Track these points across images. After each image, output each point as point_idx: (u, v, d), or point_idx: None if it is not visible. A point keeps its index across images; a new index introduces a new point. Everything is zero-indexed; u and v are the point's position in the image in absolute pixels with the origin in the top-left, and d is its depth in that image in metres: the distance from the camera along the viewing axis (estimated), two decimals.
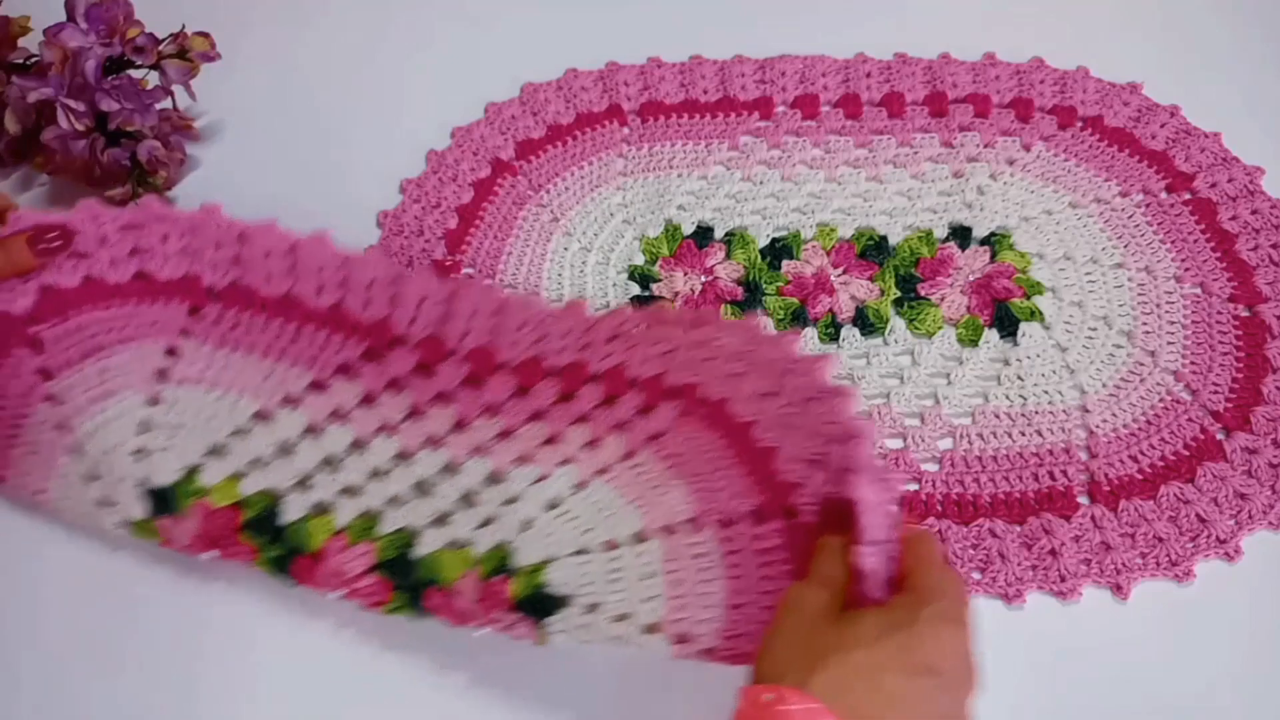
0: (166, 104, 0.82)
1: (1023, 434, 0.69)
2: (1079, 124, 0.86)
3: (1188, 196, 0.81)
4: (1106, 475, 0.66)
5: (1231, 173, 0.82)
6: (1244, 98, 0.88)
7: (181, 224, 0.67)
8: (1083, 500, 0.66)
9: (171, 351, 0.65)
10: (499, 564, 0.57)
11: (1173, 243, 0.78)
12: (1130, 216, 0.80)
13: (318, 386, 0.64)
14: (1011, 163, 0.83)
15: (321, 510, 0.60)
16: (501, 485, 0.61)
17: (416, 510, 0.60)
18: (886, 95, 0.88)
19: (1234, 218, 0.79)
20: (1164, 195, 0.81)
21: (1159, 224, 0.80)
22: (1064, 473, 0.67)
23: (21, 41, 0.83)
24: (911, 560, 0.48)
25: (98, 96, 0.76)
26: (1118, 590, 0.62)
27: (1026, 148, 0.84)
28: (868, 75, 0.89)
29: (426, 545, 0.59)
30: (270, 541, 0.59)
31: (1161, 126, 0.85)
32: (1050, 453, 0.68)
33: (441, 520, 0.60)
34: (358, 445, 0.63)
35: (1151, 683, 0.59)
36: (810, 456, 0.54)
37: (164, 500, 0.60)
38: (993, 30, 0.93)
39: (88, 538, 0.63)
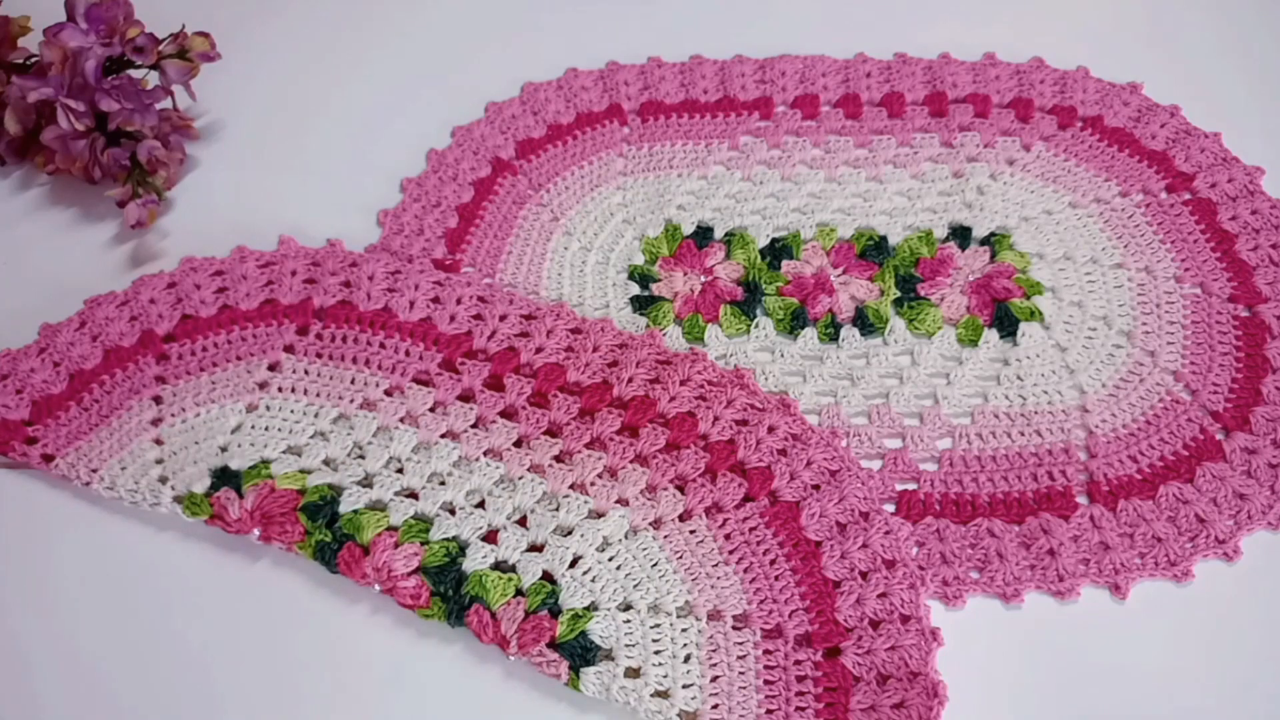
0: (166, 104, 0.82)
1: (1022, 434, 0.69)
2: (1079, 124, 0.86)
3: (1188, 196, 0.81)
4: (1105, 475, 0.66)
5: (1231, 173, 0.82)
6: (1244, 98, 0.88)
7: (308, 257, 0.76)
8: (1081, 500, 0.66)
9: (274, 366, 0.71)
10: (545, 600, 0.60)
11: (1173, 243, 0.78)
12: (1130, 216, 0.80)
13: (394, 391, 0.69)
14: (1011, 163, 0.83)
15: (378, 506, 0.64)
16: (554, 510, 0.64)
17: (469, 521, 0.63)
18: (886, 95, 0.88)
19: (1234, 218, 0.79)
20: (1164, 195, 0.81)
21: (1159, 224, 0.80)
22: (1063, 473, 0.67)
23: (21, 41, 0.84)
24: None
25: (98, 96, 0.76)
26: (1116, 590, 0.62)
27: (1026, 148, 0.84)
28: (868, 75, 0.89)
29: (475, 560, 0.61)
30: (324, 526, 0.63)
31: (1161, 126, 0.85)
32: (1049, 453, 0.68)
33: (491, 536, 0.63)
34: (421, 447, 0.67)
35: (1150, 683, 0.59)
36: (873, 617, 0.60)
37: (230, 478, 0.65)
38: (993, 30, 0.94)
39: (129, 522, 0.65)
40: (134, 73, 0.80)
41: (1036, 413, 0.69)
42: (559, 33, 0.95)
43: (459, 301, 0.74)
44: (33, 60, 0.83)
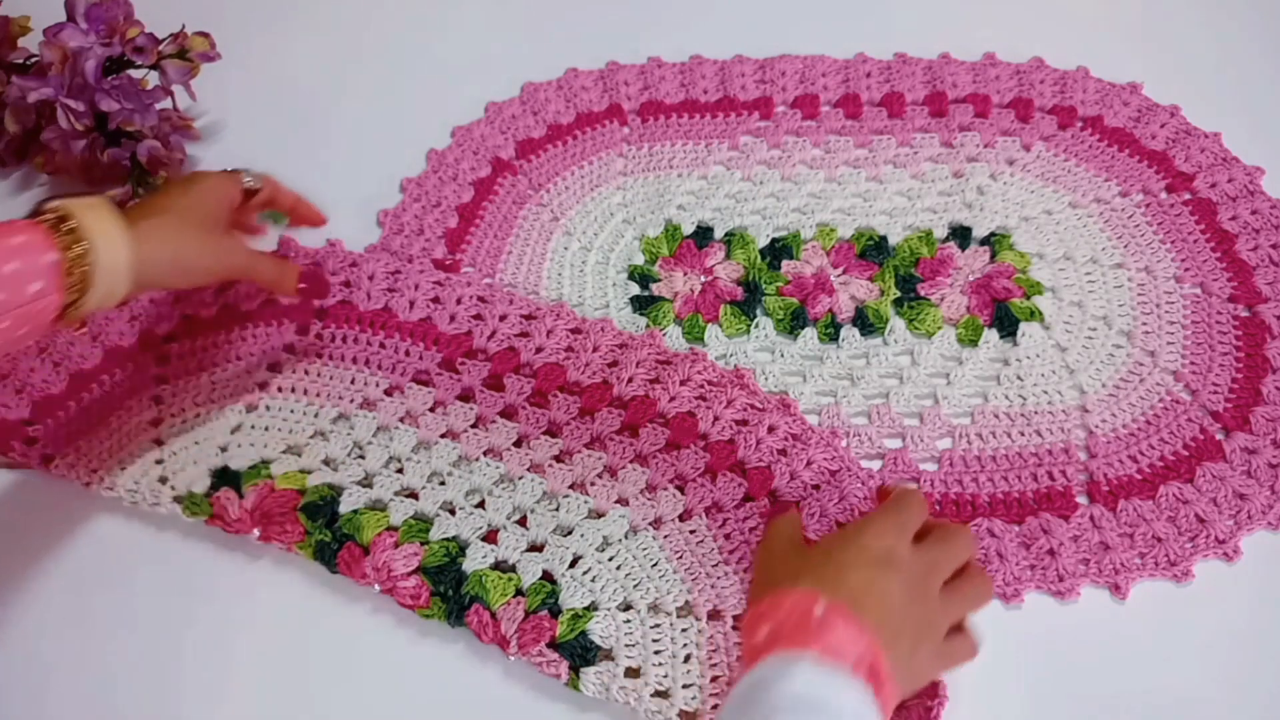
0: (166, 104, 0.82)
1: (1022, 434, 0.68)
2: (1079, 124, 0.86)
3: (1188, 196, 0.81)
4: (1105, 475, 0.66)
5: (1231, 173, 0.81)
6: (1244, 98, 0.88)
7: (308, 257, 0.75)
8: (1082, 500, 0.66)
9: (274, 367, 0.71)
10: (545, 599, 0.60)
11: (1173, 243, 0.78)
12: (1130, 216, 0.80)
13: (393, 392, 0.69)
14: (1011, 163, 0.83)
15: (378, 506, 0.64)
16: (555, 510, 0.64)
17: (468, 521, 0.63)
18: (886, 95, 0.88)
19: (1234, 218, 0.79)
20: (1164, 195, 0.81)
21: (1159, 224, 0.80)
22: (1063, 473, 0.67)
23: (21, 41, 0.84)
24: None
25: (98, 96, 0.76)
26: (1116, 590, 0.62)
27: (1026, 148, 0.84)
28: (868, 75, 0.89)
29: (475, 560, 0.61)
30: (324, 526, 0.62)
31: (1161, 126, 0.85)
32: (1049, 453, 0.68)
33: (491, 536, 0.63)
34: (421, 447, 0.67)
35: (1150, 683, 0.59)
36: None
37: (230, 478, 0.65)
38: (993, 30, 0.93)
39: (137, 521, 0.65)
40: (134, 73, 0.80)
41: (1036, 413, 0.69)
42: (559, 33, 0.95)
43: (459, 301, 0.74)
44: (33, 60, 0.83)
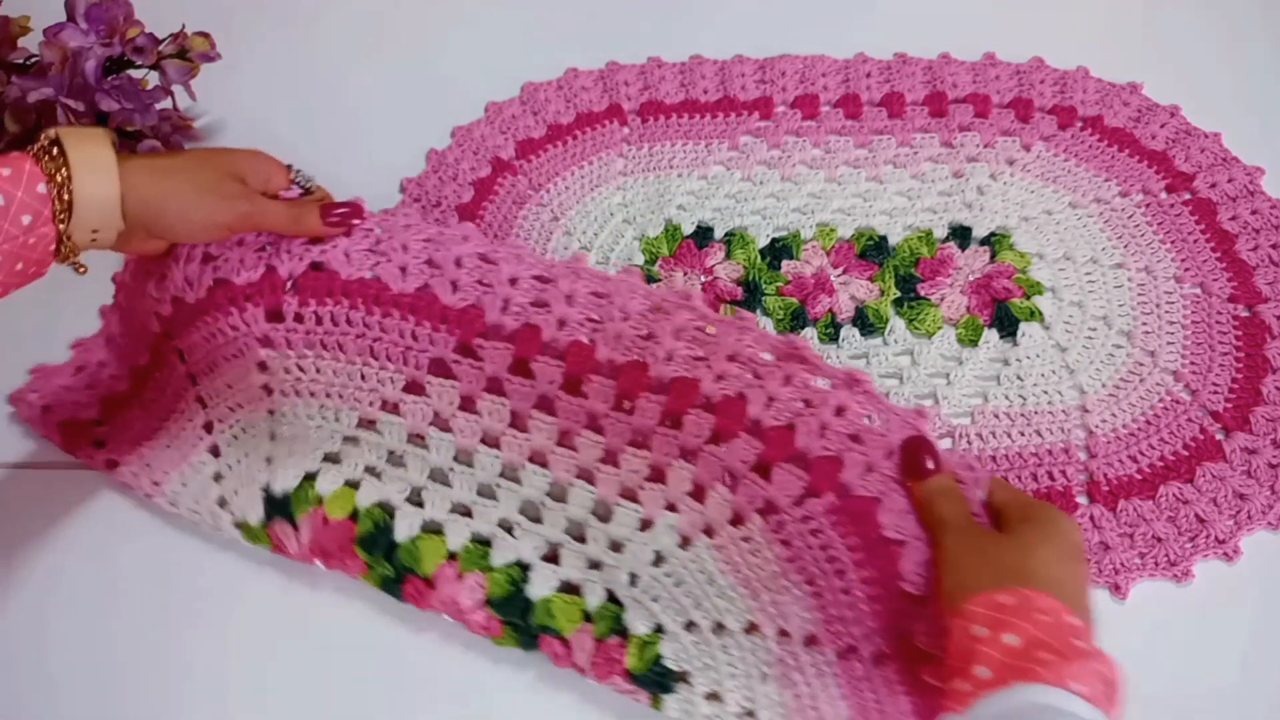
0: (166, 104, 0.82)
1: (1022, 434, 0.69)
2: (1079, 124, 0.86)
3: (1188, 196, 0.81)
4: (1105, 475, 0.66)
5: (1231, 173, 0.82)
6: (1244, 98, 0.88)
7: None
8: (1082, 500, 0.66)
9: (263, 366, 0.63)
10: (613, 624, 0.57)
11: (1173, 243, 0.78)
12: (1130, 216, 0.80)
13: (413, 389, 0.63)
14: (1011, 163, 0.83)
15: (433, 530, 0.60)
16: (607, 523, 0.60)
17: (527, 541, 0.60)
18: (886, 95, 0.88)
19: (1234, 218, 0.79)
20: (1164, 195, 0.81)
21: (1159, 224, 0.80)
22: (1063, 473, 0.67)
23: (21, 41, 0.83)
24: (1000, 494, 0.57)
25: (98, 96, 0.76)
26: (1116, 590, 0.62)
27: (1026, 148, 0.84)
28: (868, 75, 0.89)
29: (539, 585, 0.58)
30: (383, 559, 0.59)
31: (1161, 126, 0.85)
32: (1049, 453, 0.68)
33: (552, 556, 0.60)
34: (463, 457, 0.63)
35: (1150, 683, 0.58)
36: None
37: (281, 506, 0.60)
38: (993, 30, 0.93)
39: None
40: (134, 73, 0.80)
41: (1036, 413, 0.69)
42: (559, 33, 0.95)
43: (459, 264, 0.64)
44: (33, 60, 0.82)
